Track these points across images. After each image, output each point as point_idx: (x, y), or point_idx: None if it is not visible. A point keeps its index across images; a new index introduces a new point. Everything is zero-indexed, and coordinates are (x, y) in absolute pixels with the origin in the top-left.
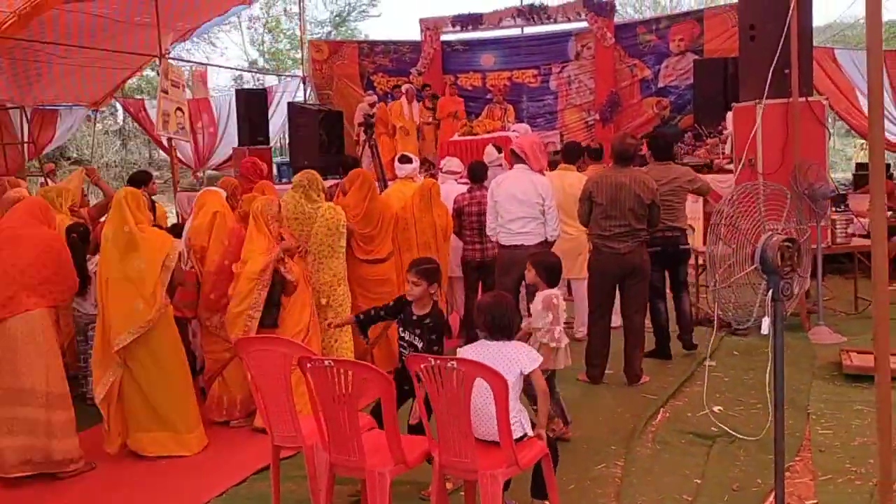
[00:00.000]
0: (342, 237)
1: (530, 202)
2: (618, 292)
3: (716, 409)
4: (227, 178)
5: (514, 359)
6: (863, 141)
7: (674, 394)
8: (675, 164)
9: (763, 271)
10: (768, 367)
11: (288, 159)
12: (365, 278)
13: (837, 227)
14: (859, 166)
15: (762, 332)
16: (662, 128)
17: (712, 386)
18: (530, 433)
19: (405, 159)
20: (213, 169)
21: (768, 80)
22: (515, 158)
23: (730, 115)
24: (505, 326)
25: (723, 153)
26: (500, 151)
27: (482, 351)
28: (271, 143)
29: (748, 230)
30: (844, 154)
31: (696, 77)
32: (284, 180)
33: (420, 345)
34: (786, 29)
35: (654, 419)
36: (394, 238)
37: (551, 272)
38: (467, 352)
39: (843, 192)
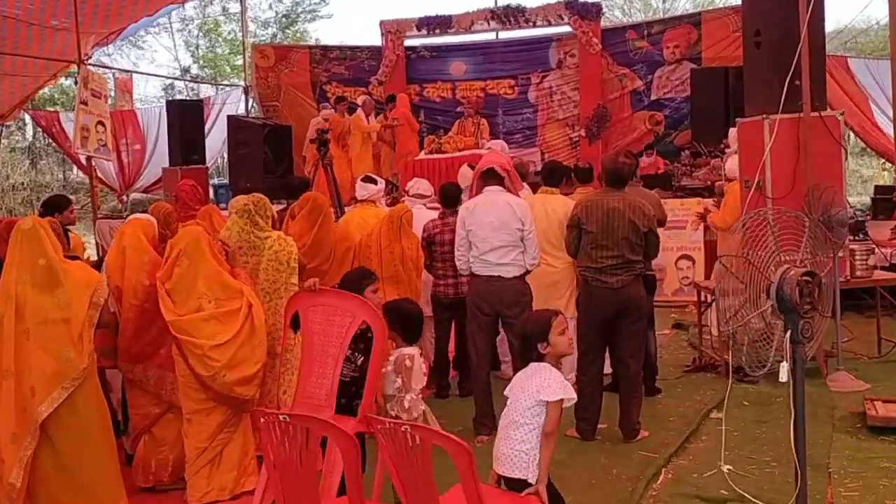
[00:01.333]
0: (294, 272)
1: (509, 228)
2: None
3: (725, 468)
4: (160, 204)
5: (536, 384)
6: (883, 160)
7: (677, 451)
8: (643, 188)
9: (780, 310)
10: (790, 421)
11: (227, 181)
12: None
13: (857, 258)
14: (879, 189)
15: (780, 379)
16: (655, 146)
17: (721, 441)
18: (531, 481)
19: (370, 179)
20: (141, 192)
21: (784, 92)
22: (488, 179)
23: (733, 131)
24: (527, 349)
25: (725, 175)
26: None
27: (518, 377)
28: (208, 163)
29: (761, 262)
30: (860, 175)
31: (694, 88)
32: (223, 206)
33: (360, 360)
34: (803, 35)
35: (655, 481)
36: None
37: (407, 323)
38: (514, 380)
39: (862, 218)
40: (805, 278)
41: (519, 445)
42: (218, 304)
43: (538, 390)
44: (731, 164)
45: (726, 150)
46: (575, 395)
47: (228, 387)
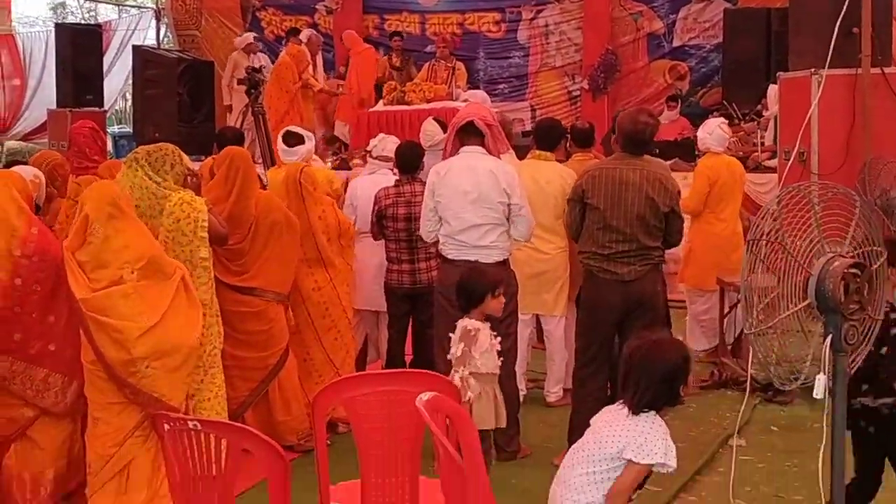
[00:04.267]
0: (204, 244)
1: (490, 202)
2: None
3: None
4: (45, 153)
5: (621, 437)
6: None
7: (686, 485)
8: (652, 157)
9: (819, 309)
10: (821, 449)
11: (130, 130)
12: (227, 310)
13: None
14: None
15: (815, 394)
16: (677, 104)
17: (742, 475)
18: None
19: (292, 138)
20: (19, 139)
21: (832, 42)
22: (467, 136)
23: (773, 89)
24: (635, 386)
25: (762, 143)
26: (445, 129)
27: (601, 417)
28: (106, 106)
29: (799, 251)
30: None
31: (728, 34)
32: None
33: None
34: None
35: None
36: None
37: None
38: (598, 416)
39: None
40: (852, 271)
41: (576, 496)
42: (141, 276)
43: (639, 444)
44: (704, 131)
45: (764, 114)
46: (658, 454)
47: (151, 385)
